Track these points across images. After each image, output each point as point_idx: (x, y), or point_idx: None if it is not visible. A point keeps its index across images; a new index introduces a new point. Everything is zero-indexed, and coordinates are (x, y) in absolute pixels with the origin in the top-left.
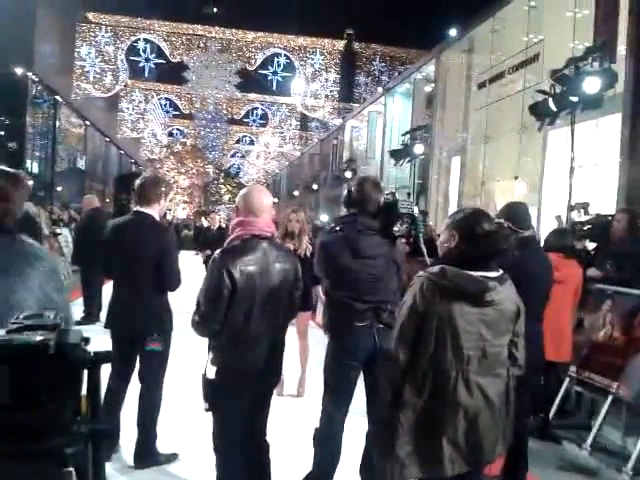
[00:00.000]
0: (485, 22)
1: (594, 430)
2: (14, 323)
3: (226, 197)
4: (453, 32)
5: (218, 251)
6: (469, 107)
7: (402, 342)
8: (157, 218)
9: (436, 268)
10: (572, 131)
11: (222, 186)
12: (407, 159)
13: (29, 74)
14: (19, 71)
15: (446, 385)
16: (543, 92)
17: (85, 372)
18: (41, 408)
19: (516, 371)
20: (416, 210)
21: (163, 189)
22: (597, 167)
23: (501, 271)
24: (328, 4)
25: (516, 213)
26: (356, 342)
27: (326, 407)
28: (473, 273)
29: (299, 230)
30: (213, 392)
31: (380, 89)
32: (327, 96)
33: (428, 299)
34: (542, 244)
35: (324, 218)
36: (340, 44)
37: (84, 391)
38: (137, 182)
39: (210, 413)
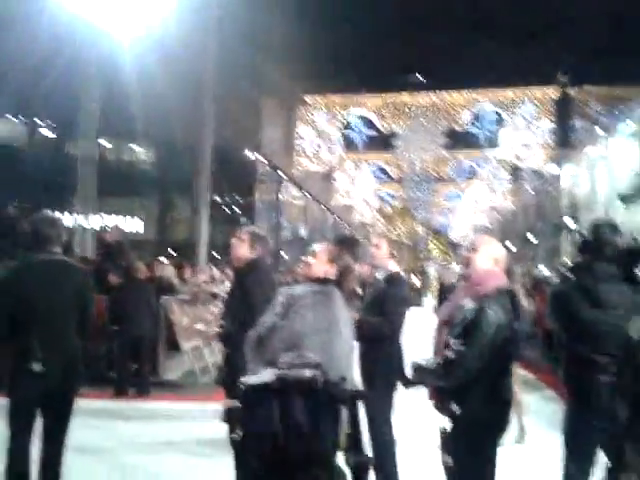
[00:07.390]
0: None
1: None
2: (283, 362)
3: (435, 254)
4: None
5: (487, 302)
6: None
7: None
8: None
9: None
10: None
11: (431, 244)
12: None
13: (257, 155)
14: (249, 154)
15: None
16: None
17: (344, 408)
18: (306, 439)
19: None
20: None
21: None
22: None
23: None
24: (535, 52)
25: None
26: (601, 401)
27: (567, 469)
28: None
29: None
30: (458, 445)
31: (599, 131)
32: (539, 144)
33: None
34: None
35: (543, 269)
36: (551, 90)
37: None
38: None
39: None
